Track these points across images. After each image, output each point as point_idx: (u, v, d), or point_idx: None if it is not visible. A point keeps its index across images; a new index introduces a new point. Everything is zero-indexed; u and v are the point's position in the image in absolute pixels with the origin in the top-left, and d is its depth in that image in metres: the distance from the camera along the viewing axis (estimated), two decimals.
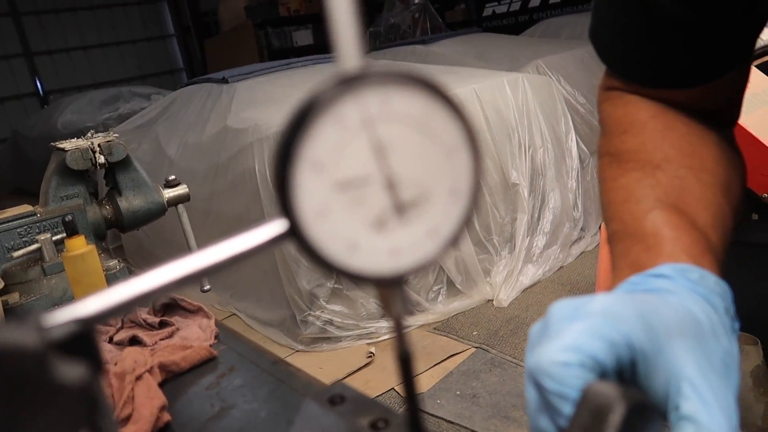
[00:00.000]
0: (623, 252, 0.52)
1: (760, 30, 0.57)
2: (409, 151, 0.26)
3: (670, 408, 0.37)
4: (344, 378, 2.23)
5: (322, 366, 2.38)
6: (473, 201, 0.28)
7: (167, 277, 0.28)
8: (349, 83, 0.24)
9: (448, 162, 0.27)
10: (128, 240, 3.18)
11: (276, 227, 0.30)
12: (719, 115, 0.62)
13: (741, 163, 0.62)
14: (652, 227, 0.50)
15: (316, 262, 0.26)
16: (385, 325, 2.41)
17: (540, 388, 0.35)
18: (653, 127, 0.58)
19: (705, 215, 0.52)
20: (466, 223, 0.28)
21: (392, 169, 0.26)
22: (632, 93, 0.61)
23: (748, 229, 1.18)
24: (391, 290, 0.28)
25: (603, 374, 0.36)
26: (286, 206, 0.24)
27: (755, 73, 1.30)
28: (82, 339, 0.25)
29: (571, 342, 0.35)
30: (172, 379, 0.86)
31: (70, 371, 0.22)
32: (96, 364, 0.25)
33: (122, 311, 0.28)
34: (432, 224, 0.27)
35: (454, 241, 0.28)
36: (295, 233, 0.25)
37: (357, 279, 0.26)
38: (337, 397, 0.50)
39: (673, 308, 0.40)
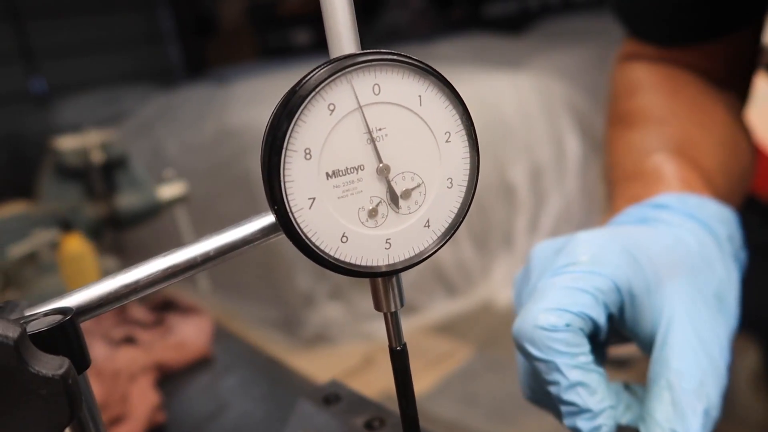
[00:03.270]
0: (621, 192, 0.50)
1: None
2: (403, 138, 0.25)
3: (653, 353, 0.36)
4: (343, 378, 2.22)
5: (320, 366, 2.37)
6: (470, 192, 0.27)
7: (153, 270, 0.27)
8: (341, 68, 0.23)
9: (444, 151, 0.26)
10: (130, 239, 3.17)
11: (267, 220, 0.29)
12: (732, 83, 0.62)
13: (749, 133, 0.61)
14: (653, 165, 0.49)
15: (307, 254, 0.25)
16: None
17: (525, 354, 0.34)
18: (664, 87, 0.57)
19: (710, 162, 0.51)
20: (463, 215, 0.27)
21: (385, 158, 0.25)
22: (648, 59, 0.61)
23: (746, 230, 1.18)
24: (383, 283, 0.27)
25: (595, 328, 0.35)
26: (275, 196, 0.24)
27: None
28: (64, 332, 0.24)
29: (554, 301, 0.33)
30: (167, 378, 0.85)
31: (50, 364, 0.21)
32: (78, 357, 0.24)
33: (107, 305, 0.27)
34: (426, 216, 0.26)
35: (449, 234, 0.27)
36: (284, 224, 0.24)
37: (349, 272, 0.25)
38: (332, 396, 0.49)
39: (661, 240, 0.38)
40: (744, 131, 0.60)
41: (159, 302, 0.99)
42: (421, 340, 2.51)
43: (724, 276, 0.39)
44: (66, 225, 1.01)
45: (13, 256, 1.08)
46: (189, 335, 0.91)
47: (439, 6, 5.98)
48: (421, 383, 2.21)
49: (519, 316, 0.35)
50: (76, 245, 1.01)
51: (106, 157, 1.21)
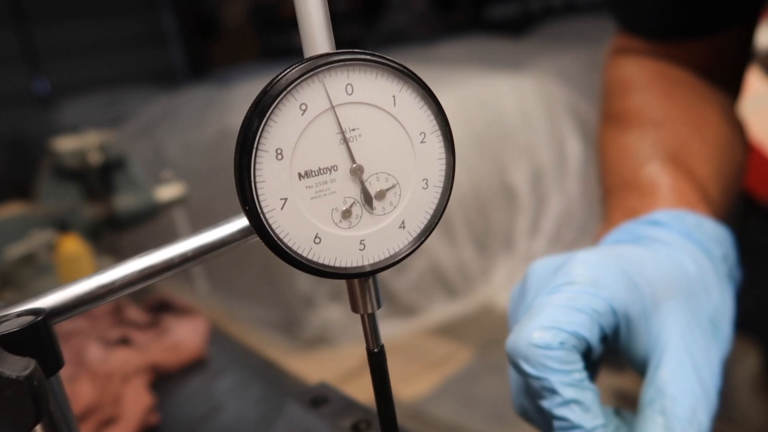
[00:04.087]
0: (617, 203, 0.50)
1: None
2: (377, 139, 0.25)
3: (647, 377, 0.36)
4: (342, 380, 2.21)
5: (319, 367, 2.37)
6: (446, 193, 0.27)
7: (129, 271, 0.27)
8: (313, 67, 0.23)
9: (419, 151, 0.26)
10: (128, 240, 3.17)
11: (245, 221, 0.29)
12: (723, 79, 0.61)
13: (742, 131, 0.61)
14: (648, 176, 0.49)
15: (279, 255, 0.25)
16: (385, 326, 2.39)
17: (519, 371, 0.34)
18: (657, 87, 0.57)
19: (705, 169, 0.51)
20: (438, 216, 0.27)
21: (359, 158, 0.25)
22: (639, 53, 0.61)
23: (745, 231, 1.17)
24: (360, 285, 0.27)
25: (588, 348, 0.35)
26: (246, 196, 0.23)
27: None
28: (36, 333, 0.24)
29: (550, 320, 0.33)
30: (162, 380, 0.85)
31: (15, 365, 0.21)
32: (50, 359, 0.24)
33: (82, 306, 0.27)
34: (402, 217, 0.26)
35: (425, 235, 0.27)
36: (255, 225, 0.24)
37: (322, 273, 0.25)
38: (320, 398, 0.49)
39: (660, 262, 0.38)
40: (737, 128, 0.59)
41: (154, 303, 0.99)
42: (420, 342, 2.50)
43: (719, 301, 0.39)
44: (63, 226, 1.02)
45: (10, 257, 1.09)
46: (184, 337, 0.91)
47: (441, 8, 5.98)
48: (421, 385, 2.21)
49: (513, 332, 0.35)
50: (74, 246, 1.01)
51: (104, 158, 1.21)
